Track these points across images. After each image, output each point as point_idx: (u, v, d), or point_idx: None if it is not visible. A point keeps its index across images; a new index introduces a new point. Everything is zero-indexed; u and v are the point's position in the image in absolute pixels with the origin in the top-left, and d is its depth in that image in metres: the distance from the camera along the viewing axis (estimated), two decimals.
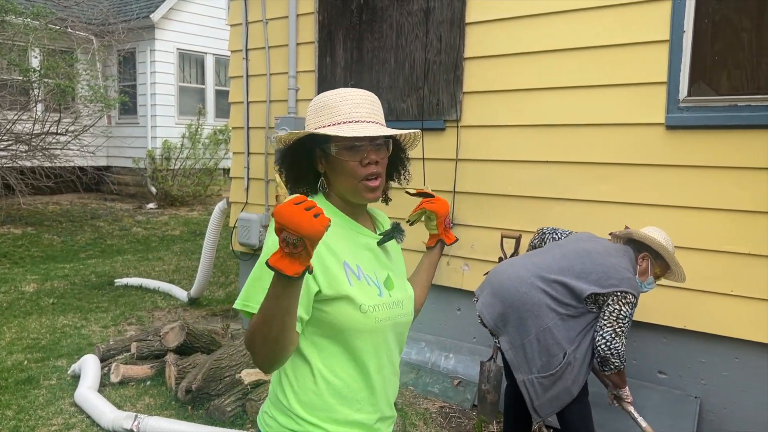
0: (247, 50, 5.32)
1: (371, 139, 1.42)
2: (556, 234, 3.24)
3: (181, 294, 6.22)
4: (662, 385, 3.47)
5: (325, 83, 4.78)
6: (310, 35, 4.87)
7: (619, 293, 2.65)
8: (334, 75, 4.73)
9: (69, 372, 4.23)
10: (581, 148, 3.65)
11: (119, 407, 3.67)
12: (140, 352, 4.30)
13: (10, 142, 9.43)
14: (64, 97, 9.63)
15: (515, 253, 3.80)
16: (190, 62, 12.87)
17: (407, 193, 1.69)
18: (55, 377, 4.20)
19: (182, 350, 4.21)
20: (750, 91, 3.18)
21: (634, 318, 2.80)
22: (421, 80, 4.28)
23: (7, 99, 9.26)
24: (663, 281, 3.17)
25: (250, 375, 3.83)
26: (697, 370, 3.39)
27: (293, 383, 1.42)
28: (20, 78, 9.38)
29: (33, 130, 9.58)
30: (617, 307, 2.64)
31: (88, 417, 3.60)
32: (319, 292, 1.35)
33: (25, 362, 4.45)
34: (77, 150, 10.14)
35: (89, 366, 4.04)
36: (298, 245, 1.11)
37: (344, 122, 1.41)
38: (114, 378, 4.06)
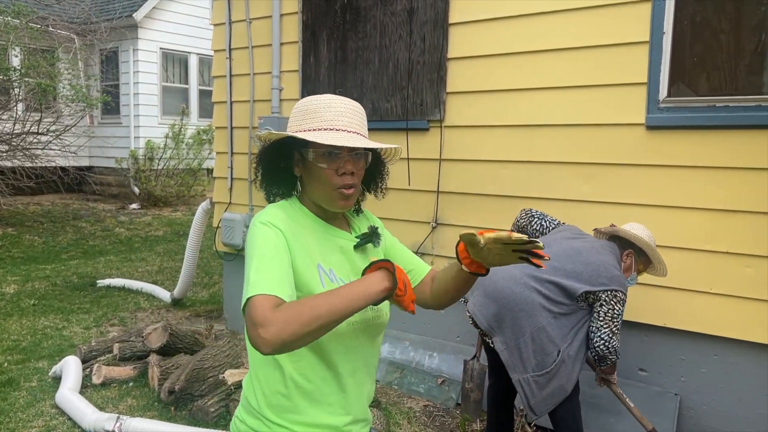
0: (230, 50, 5.30)
1: (350, 149, 1.41)
2: (545, 221, 3.23)
3: (164, 295, 6.18)
4: (642, 382, 3.51)
5: (309, 83, 4.77)
6: (294, 35, 4.87)
7: (610, 292, 2.68)
8: (318, 75, 4.73)
9: (50, 374, 4.19)
10: (564, 148, 3.68)
11: (101, 409, 3.64)
12: (123, 353, 4.27)
13: None
14: (45, 97, 9.53)
15: None
16: (174, 62, 12.79)
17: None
18: (35, 379, 4.15)
19: (165, 351, 4.18)
20: (728, 92, 3.23)
21: None
22: (405, 80, 4.29)
23: None
24: (645, 279, 3.22)
25: (233, 375, 3.81)
26: (676, 368, 3.43)
27: (263, 386, 1.42)
28: (0, 77, 9.26)
29: (13, 130, 9.47)
30: (611, 306, 2.68)
31: (70, 419, 3.57)
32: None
33: (5, 364, 4.39)
34: (59, 150, 10.03)
35: (71, 367, 4.01)
36: (405, 289, 1.35)
37: (325, 129, 1.40)
38: (96, 379, 4.03)
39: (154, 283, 6.72)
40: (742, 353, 3.24)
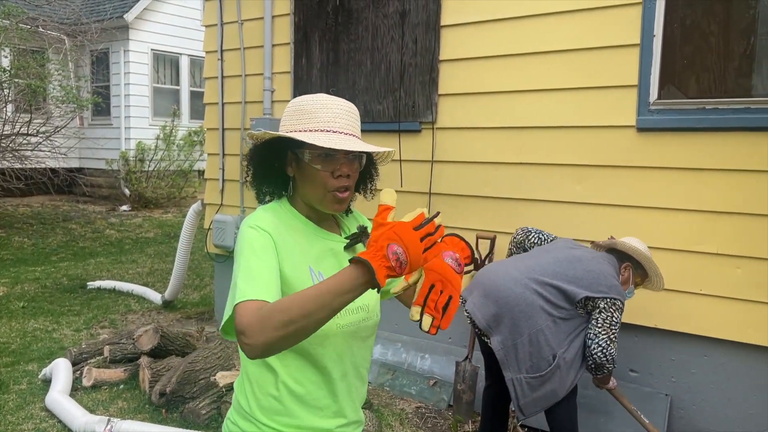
0: (222, 51, 5.30)
1: (346, 152, 1.40)
2: (542, 235, 3.26)
3: (155, 297, 6.15)
4: (633, 382, 3.53)
5: (301, 84, 4.77)
6: (286, 36, 4.86)
7: (609, 300, 2.70)
8: (310, 76, 4.73)
9: (40, 376, 4.16)
10: (555, 149, 3.70)
11: (91, 411, 3.62)
12: (113, 356, 4.25)
13: None
14: (35, 98, 9.46)
15: (490, 253, 3.84)
16: (165, 63, 12.74)
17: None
18: (25, 382, 4.12)
19: (156, 353, 4.17)
20: (718, 95, 3.25)
21: None
22: (397, 82, 4.30)
23: None
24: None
25: (224, 377, 3.80)
26: (667, 368, 3.45)
27: (255, 389, 1.41)
28: None
29: (3, 131, 9.40)
30: (609, 314, 2.69)
31: (60, 422, 3.54)
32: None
33: None
34: (48, 151, 9.96)
35: (61, 370, 3.98)
36: (402, 267, 1.11)
37: (321, 130, 1.38)
38: (86, 382, 4.01)
39: (145, 285, 6.69)
40: (731, 354, 3.27)
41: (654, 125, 3.36)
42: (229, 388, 3.73)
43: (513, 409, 3.43)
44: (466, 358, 3.68)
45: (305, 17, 4.74)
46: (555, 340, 2.71)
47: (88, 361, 4.28)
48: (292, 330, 1.15)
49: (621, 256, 2.99)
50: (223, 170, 5.36)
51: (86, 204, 11.94)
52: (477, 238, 3.89)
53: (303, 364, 1.40)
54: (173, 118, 11.83)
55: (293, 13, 4.81)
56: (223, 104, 5.34)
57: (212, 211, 5.46)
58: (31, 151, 9.77)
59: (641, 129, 3.40)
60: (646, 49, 3.37)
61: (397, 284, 1.20)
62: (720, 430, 3.32)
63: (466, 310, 2.93)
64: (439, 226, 1.18)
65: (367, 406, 3.77)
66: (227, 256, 5.33)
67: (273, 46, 4.93)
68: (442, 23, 4.08)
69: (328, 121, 1.39)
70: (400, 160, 4.25)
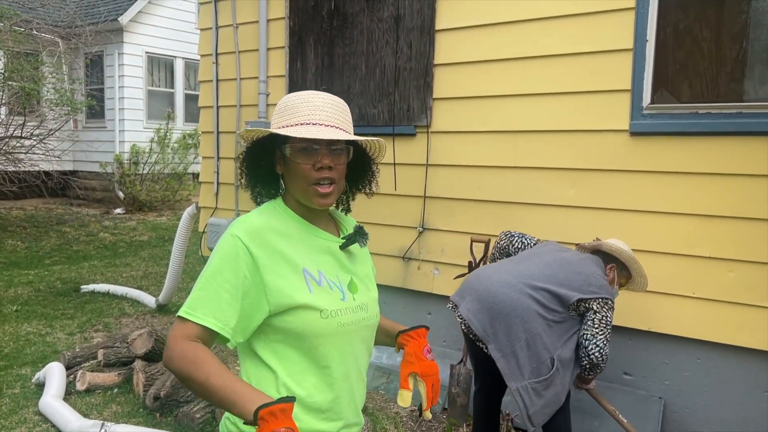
0: (217, 54, 5.30)
1: (328, 143, 1.40)
2: (525, 239, 3.28)
3: (149, 300, 6.13)
4: (627, 386, 3.54)
5: (296, 88, 4.78)
6: (281, 40, 4.87)
7: (601, 299, 2.72)
8: (305, 80, 4.74)
9: (33, 380, 4.14)
10: (549, 153, 3.71)
11: (85, 415, 3.61)
12: (107, 360, 4.24)
13: None
14: (29, 100, 9.43)
15: (484, 256, 3.85)
16: (160, 66, 12.73)
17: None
18: (18, 386, 4.11)
19: (150, 357, 4.16)
20: (710, 99, 3.28)
21: None
22: (392, 86, 4.31)
23: None
24: None
25: None
26: (661, 371, 3.47)
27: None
28: None
29: None
30: (603, 314, 2.71)
31: (53, 426, 3.53)
32: (272, 314, 1.37)
33: None
34: (42, 154, 9.93)
35: (54, 374, 3.96)
36: None
37: (302, 123, 1.38)
38: (80, 386, 3.99)
39: (139, 288, 6.67)
40: (724, 357, 3.28)
41: (647, 129, 3.38)
42: None
43: (507, 413, 3.44)
44: (461, 361, 3.68)
45: (300, 21, 4.75)
46: (551, 343, 2.72)
47: (82, 365, 4.26)
48: (189, 385, 1.27)
49: (606, 257, 3.01)
50: (218, 173, 5.36)
51: (80, 207, 11.90)
52: (471, 242, 3.90)
53: (304, 365, 1.40)
54: (168, 121, 11.82)
55: (288, 17, 4.82)
56: (218, 107, 5.34)
57: (207, 214, 5.46)
58: (25, 153, 9.74)
59: (634, 133, 3.42)
60: (639, 53, 3.39)
61: (406, 396, 1.50)
62: None
63: (460, 316, 2.93)
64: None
65: (362, 409, 3.77)
66: None
67: (268, 49, 4.94)
68: (437, 27, 4.09)
69: (308, 114, 1.40)
70: (394, 164, 4.26)
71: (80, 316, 5.69)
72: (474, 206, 4.01)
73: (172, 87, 12.98)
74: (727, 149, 3.18)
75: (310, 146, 1.39)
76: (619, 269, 3.01)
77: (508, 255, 3.28)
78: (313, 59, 4.69)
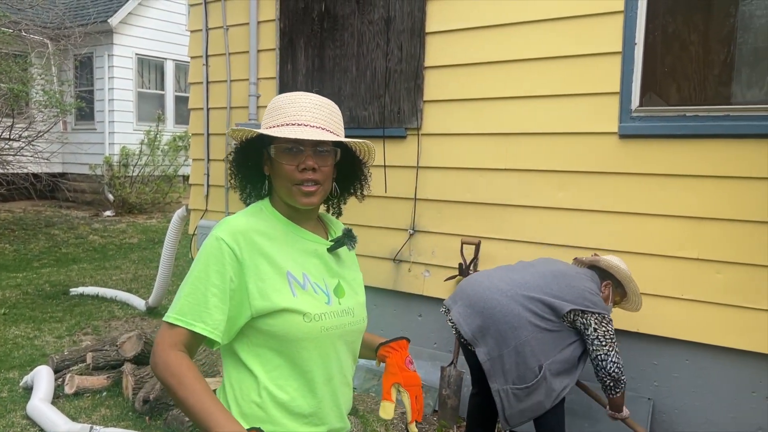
0: (207, 56, 5.29)
1: (314, 144, 1.39)
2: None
3: (139, 303, 6.10)
4: None
5: (286, 90, 4.77)
6: (271, 42, 4.87)
7: (598, 315, 2.73)
8: (296, 82, 4.73)
9: (21, 384, 4.11)
10: (539, 156, 3.73)
11: (74, 419, 3.59)
12: (96, 363, 4.21)
13: None
14: (18, 102, 9.36)
15: (475, 258, 3.86)
16: (150, 68, 12.68)
17: None
18: (6, 389, 4.07)
19: (140, 360, 4.13)
20: (698, 102, 3.30)
21: None
22: (383, 88, 4.32)
23: None
24: None
25: (209, 384, 3.78)
26: (650, 372, 3.48)
27: (237, 395, 1.40)
28: None
29: None
30: (605, 329, 2.72)
31: (41, 430, 3.50)
32: (254, 317, 1.36)
33: None
34: (31, 156, 9.86)
35: (42, 377, 3.93)
36: None
37: (288, 124, 1.38)
38: (68, 389, 3.97)
39: (129, 291, 6.63)
40: (712, 358, 3.30)
41: (636, 132, 3.40)
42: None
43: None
44: (451, 363, 3.69)
45: (291, 23, 4.75)
46: (541, 351, 2.72)
47: (71, 369, 4.23)
48: (169, 394, 1.30)
49: (602, 273, 3.02)
50: (208, 175, 5.34)
51: (69, 209, 11.83)
52: (462, 244, 3.91)
53: (287, 370, 1.38)
54: (158, 123, 11.77)
55: (278, 19, 4.81)
56: (208, 109, 5.33)
57: (197, 216, 5.44)
58: (13, 156, 9.67)
59: (623, 135, 3.44)
60: (628, 57, 3.41)
61: (389, 408, 1.49)
62: None
63: (451, 320, 2.93)
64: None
65: (353, 412, 3.77)
66: None
67: (258, 51, 4.93)
68: (427, 30, 4.10)
69: (294, 114, 1.39)
70: (385, 166, 4.27)
71: (69, 320, 5.65)
72: (464, 208, 4.02)
73: (163, 89, 12.93)
74: (714, 152, 3.20)
75: (295, 147, 1.38)
76: (614, 287, 3.02)
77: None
78: (303, 61, 4.69)
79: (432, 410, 3.92)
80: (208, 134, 5.33)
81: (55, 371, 4.16)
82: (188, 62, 5.68)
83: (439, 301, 3.98)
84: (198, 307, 1.31)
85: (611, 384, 2.73)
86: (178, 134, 12.16)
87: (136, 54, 12.27)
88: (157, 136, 11.63)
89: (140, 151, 11.52)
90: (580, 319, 2.73)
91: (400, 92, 4.24)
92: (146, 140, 11.58)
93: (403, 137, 4.25)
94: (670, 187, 3.33)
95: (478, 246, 3.87)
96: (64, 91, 11.21)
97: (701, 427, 3.36)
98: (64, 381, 4.02)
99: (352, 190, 1.59)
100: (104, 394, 4.01)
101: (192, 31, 5.47)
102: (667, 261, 3.35)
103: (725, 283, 3.21)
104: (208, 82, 5.31)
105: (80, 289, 6.61)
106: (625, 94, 3.42)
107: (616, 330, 3.45)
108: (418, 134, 4.18)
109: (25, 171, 10.21)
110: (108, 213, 11.50)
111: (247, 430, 1.27)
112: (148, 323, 5.68)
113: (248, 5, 4.90)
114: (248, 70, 4.93)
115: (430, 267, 4.18)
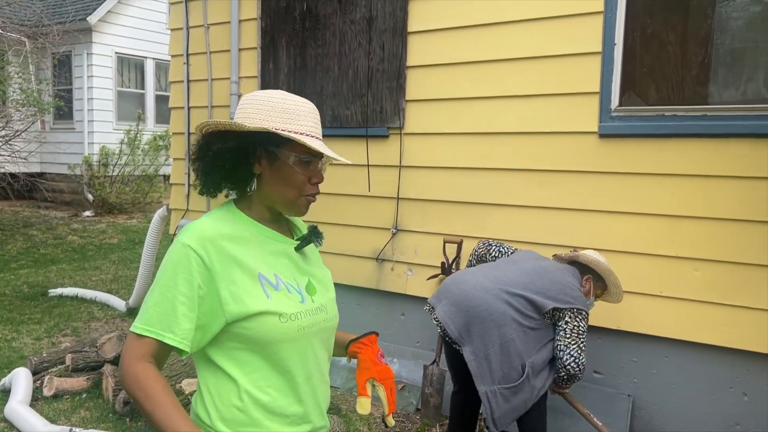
0: (188, 55, 5.25)
1: (321, 158, 1.44)
2: (502, 248, 3.32)
3: (119, 304, 6.04)
4: (596, 384, 3.59)
5: (268, 89, 4.74)
6: (253, 41, 4.85)
7: (575, 310, 2.75)
8: (278, 81, 4.72)
9: None
10: (520, 155, 3.75)
11: (53, 421, 3.54)
12: (75, 364, 4.16)
13: None
14: None
15: (457, 257, 3.88)
16: (130, 66, 12.55)
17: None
18: None
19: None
20: (676, 102, 3.35)
21: None
22: (365, 88, 4.32)
23: None
24: None
25: (191, 385, 3.75)
26: (629, 369, 3.52)
27: (216, 401, 1.36)
28: None
29: None
30: (576, 323, 2.74)
31: None
32: (229, 322, 1.33)
33: None
34: (8, 156, 9.71)
35: (20, 379, 3.88)
36: None
37: (308, 134, 1.38)
38: (47, 391, 3.92)
39: (109, 292, 6.56)
40: (690, 354, 3.35)
41: (615, 131, 3.44)
42: None
43: (484, 416, 3.46)
44: (434, 361, 3.70)
45: (272, 22, 4.73)
46: (524, 349, 2.74)
47: (49, 370, 4.18)
48: (138, 408, 1.28)
49: (582, 268, 3.05)
50: (189, 175, 5.30)
51: (48, 210, 11.67)
52: (444, 243, 3.93)
53: (267, 371, 1.37)
54: (138, 122, 11.65)
55: (260, 17, 4.79)
56: (189, 108, 5.29)
57: (178, 216, 5.40)
58: None
59: (603, 135, 3.47)
60: (608, 57, 3.44)
61: (366, 403, 1.47)
62: (680, 429, 3.40)
63: (436, 318, 2.94)
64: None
65: (335, 411, 3.76)
66: None
67: (240, 50, 4.91)
68: (409, 30, 4.11)
69: (312, 126, 1.40)
70: (368, 165, 4.27)
71: (48, 321, 5.58)
72: (447, 207, 4.04)
73: (143, 88, 12.80)
74: (692, 151, 3.25)
75: (313, 159, 1.42)
76: (595, 280, 3.05)
77: (485, 262, 3.31)
78: (285, 60, 4.68)
79: (415, 408, 3.92)
80: (189, 133, 5.30)
81: (34, 373, 4.11)
82: (169, 61, 5.63)
83: (422, 300, 3.99)
84: (166, 316, 1.29)
85: (564, 377, 2.78)
86: (158, 133, 12.05)
87: (116, 53, 12.13)
88: (138, 135, 11.52)
89: (120, 151, 11.40)
90: (559, 314, 2.76)
91: (382, 92, 4.25)
92: (126, 140, 11.46)
93: (386, 137, 4.25)
94: (649, 185, 3.37)
95: (460, 245, 3.88)
96: (42, 90, 11.06)
97: (680, 423, 3.40)
98: (42, 383, 3.97)
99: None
100: (84, 395, 3.97)
101: (172, 30, 5.43)
102: (647, 259, 3.39)
103: (703, 280, 3.25)
104: (189, 81, 5.27)
105: (59, 290, 6.53)
106: (605, 93, 3.46)
107: (598, 327, 3.51)
108: (401, 134, 4.19)
109: (2, 171, 10.06)
110: (87, 213, 11.37)
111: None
112: (129, 324, 5.62)
113: (229, 4, 4.87)
114: (230, 68, 4.91)
115: (412, 266, 4.19)
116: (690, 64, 3.35)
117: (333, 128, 4.37)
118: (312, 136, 1.39)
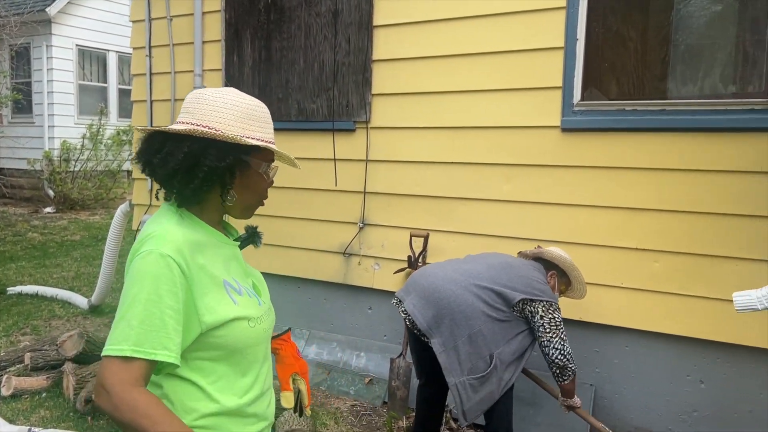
0: (150, 47, 5.15)
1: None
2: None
3: (81, 301, 5.92)
4: None
5: (232, 82, 4.70)
6: (217, 33, 4.78)
7: (545, 302, 2.79)
8: (242, 74, 4.67)
9: None
10: (485, 149, 3.78)
11: (11, 422, 3.46)
12: (35, 363, 4.06)
13: None
14: None
15: (423, 251, 3.89)
16: (91, 59, 12.28)
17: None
18: None
19: (81, 359, 4.01)
20: (636, 97, 3.41)
21: None
22: (331, 81, 4.30)
23: None
24: None
25: None
26: (592, 359, 3.59)
27: (178, 408, 1.31)
28: None
29: None
30: (551, 316, 2.77)
31: None
32: (203, 332, 1.30)
33: None
34: None
35: None
36: None
37: (272, 142, 1.42)
38: (5, 391, 3.82)
39: (71, 289, 6.42)
40: (649, 344, 3.43)
41: (577, 126, 3.49)
42: None
43: (453, 407, 3.48)
44: (401, 354, 3.71)
45: (236, 14, 4.67)
46: (493, 340, 2.77)
47: (8, 370, 4.08)
48: None
49: (547, 264, 3.09)
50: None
51: (6, 206, 11.36)
52: (411, 236, 3.94)
53: (231, 377, 1.36)
54: (100, 117, 11.40)
55: (224, 9, 4.73)
56: (151, 102, 5.20)
57: (141, 211, 5.31)
58: None
59: (565, 129, 3.52)
60: (570, 52, 3.49)
61: (290, 397, 1.61)
62: (639, 418, 3.48)
63: (404, 311, 2.95)
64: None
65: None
66: None
67: (203, 42, 4.83)
68: (375, 23, 4.11)
69: (271, 132, 1.44)
70: (335, 160, 4.26)
71: (6, 320, 5.43)
72: (413, 201, 4.05)
73: (105, 81, 12.54)
74: (651, 145, 3.32)
75: (272, 165, 1.46)
76: (559, 276, 3.09)
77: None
78: (250, 53, 4.63)
79: (382, 402, 3.94)
80: (152, 127, 5.20)
81: None
82: (131, 54, 5.52)
83: (389, 293, 4.00)
84: (157, 333, 1.20)
85: (557, 371, 2.80)
86: (121, 128, 11.81)
87: (77, 45, 11.86)
88: (100, 129, 11.28)
89: (82, 146, 11.15)
90: (528, 307, 2.79)
91: (348, 85, 4.23)
92: (88, 134, 11.22)
93: (352, 130, 4.24)
94: (609, 179, 3.43)
95: (426, 238, 3.90)
96: None
97: (639, 412, 3.48)
98: (0, 383, 3.87)
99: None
100: (44, 395, 3.88)
101: (134, 21, 5.32)
102: (607, 251, 3.45)
103: (662, 271, 3.33)
104: (151, 74, 5.18)
105: (18, 288, 6.36)
106: (567, 88, 3.51)
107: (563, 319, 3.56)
108: (367, 127, 4.18)
109: None
110: (48, 209, 11.10)
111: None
112: (92, 322, 5.52)
113: None
114: (193, 61, 4.83)
115: (379, 260, 4.20)
116: (650, 60, 3.41)
117: (299, 122, 4.35)
118: (273, 143, 1.43)
